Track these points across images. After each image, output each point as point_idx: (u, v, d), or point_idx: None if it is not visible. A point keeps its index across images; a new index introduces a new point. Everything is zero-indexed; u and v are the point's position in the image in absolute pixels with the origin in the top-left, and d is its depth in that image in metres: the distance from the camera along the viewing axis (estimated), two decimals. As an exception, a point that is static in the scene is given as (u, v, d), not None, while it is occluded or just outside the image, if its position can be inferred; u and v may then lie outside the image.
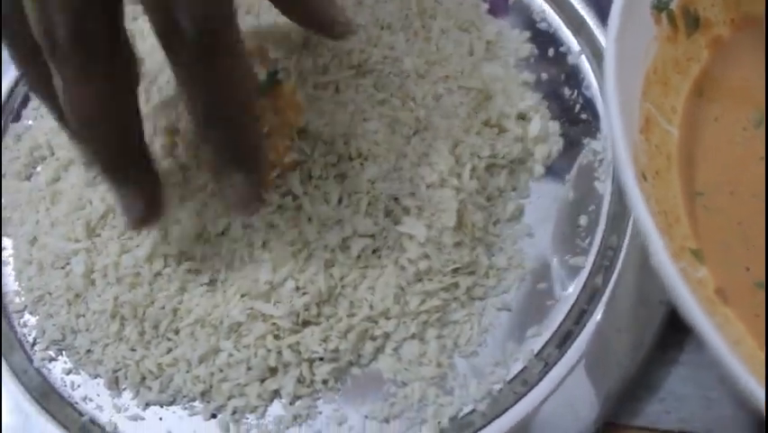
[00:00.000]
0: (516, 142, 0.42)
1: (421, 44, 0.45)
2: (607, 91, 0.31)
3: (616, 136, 0.30)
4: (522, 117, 0.43)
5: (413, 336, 0.38)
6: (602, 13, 0.46)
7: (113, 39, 0.30)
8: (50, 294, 0.42)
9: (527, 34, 0.47)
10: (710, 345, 0.25)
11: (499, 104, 0.43)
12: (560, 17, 0.47)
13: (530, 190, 0.42)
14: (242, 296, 0.38)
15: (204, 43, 0.29)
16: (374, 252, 0.39)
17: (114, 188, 0.35)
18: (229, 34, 0.30)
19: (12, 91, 0.51)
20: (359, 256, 0.38)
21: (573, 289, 0.39)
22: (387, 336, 0.38)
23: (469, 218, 0.39)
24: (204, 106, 0.31)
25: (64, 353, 0.41)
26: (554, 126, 0.44)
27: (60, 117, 0.33)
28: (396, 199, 0.39)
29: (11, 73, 0.51)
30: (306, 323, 0.38)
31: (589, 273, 0.39)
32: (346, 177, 0.40)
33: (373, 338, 0.38)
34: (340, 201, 0.39)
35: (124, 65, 0.31)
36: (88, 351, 0.40)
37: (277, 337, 0.37)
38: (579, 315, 0.38)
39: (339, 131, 0.40)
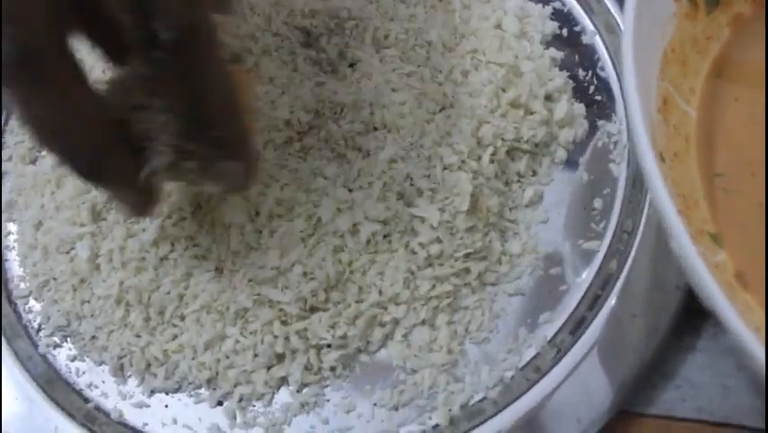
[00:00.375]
0: (541, 126, 0.41)
1: (442, 16, 0.44)
2: (624, 69, 0.30)
3: (634, 116, 0.29)
4: (548, 98, 0.42)
5: (423, 323, 0.37)
6: (618, -8, 0.45)
7: (61, 52, 0.29)
8: (54, 279, 0.41)
9: (550, 9, 0.46)
10: (733, 330, 0.25)
11: (528, 83, 0.42)
12: (576, -1, 0.46)
13: (551, 176, 0.41)
14: (249, 281, 0.37)
15: (183, 44, 0.28)
16: (385, 236, 0.38)
17: (99, 188, 0.35)
18: (206, 32, 0.30)
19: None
20: (368, 241, 0.38)
21: (587, 274, 0.38)
22: (396, 322, 0.37)
23: (484, 203, 0.38)
24: (188, 106, 0.31)
25: (69, 339, 0.41)
26: (580, 108, 0.43)
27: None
28: (410, 179, 0.38)
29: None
30: (313, 309, 0.37)
31: (604, 258, 0.38)
32: (367, 154, 0.39)
33: (382, 324, 0.37)
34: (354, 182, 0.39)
35: (78, 76, 0.30)
36: (93, 337, 0.40)
37: (284, 323, 0.37)
38: (593, 300, 0.37)
39: (365, 98, 0.40)
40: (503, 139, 0.40)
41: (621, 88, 0.42)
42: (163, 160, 0.32)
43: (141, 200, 0.34)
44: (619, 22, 0.44)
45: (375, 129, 0.40)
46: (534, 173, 0.41)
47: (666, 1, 0.35)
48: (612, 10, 0.45)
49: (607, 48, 0.44)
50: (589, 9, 0.46)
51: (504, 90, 0.41)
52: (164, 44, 0.28)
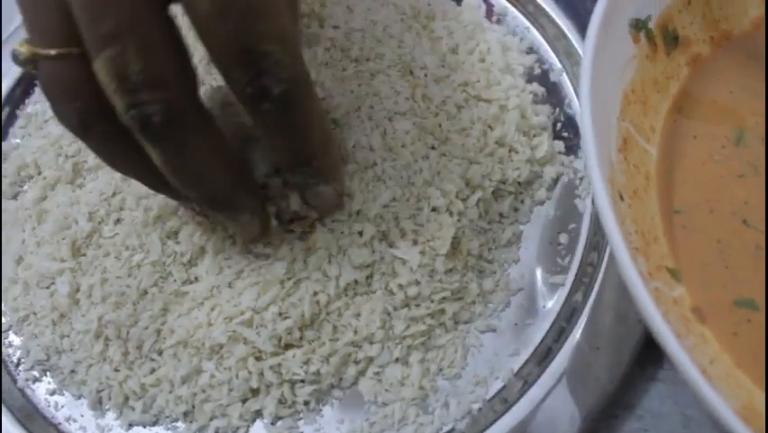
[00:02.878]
0: (525, 164, 0.42)
1: (428, 43, 0.45)
2: (582, 112, 0.31)
3: (589, 159, 0.30)
4: (529, 135, 0.43)
5: (396, 360, 0.38)
6: (584, 31, 0.45)
7: (196, 107, 0.32)
8: (35, 314, 0.42)
9: (527, 43, 0.47)
10: (680, 367, 0.26)
11: (514, 120, 0.42)
12: (541, 34, 0.48)
13: (532, 215, 0.42)
14: (225, 318, 0.38)
15: (291, 95, 0.31)
16: (366, 278, 0.39)
17: (228, 219, 0.37)
18: (306, 77, 0.32)
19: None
20: (348, 285, 0.38)
21: (553, 306, 0.39)
22: (370, 360, 0.38)
23: (465, 245, 0.39)
24: (296, 143, 0.34)
25: (48, 373, 0.42)
26: (559, 145, 0.44)
27: (157, 185, 0.36)
28: (397, 219, 0.39)
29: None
30: (288, 346, 0.38)
31: (569, 291, 0.39)
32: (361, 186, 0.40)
33: (356, 362, 0.38)
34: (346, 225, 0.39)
35: (209, 124, 0.33)
36: (72, 371, 0.41)
37: (258, 359, 0.37)
38: (558, 333, 0.38)
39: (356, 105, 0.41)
40: (490, 180, 0.41)
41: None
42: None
43: (262, 225, 0.38)
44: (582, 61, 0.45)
45: (374, 164, 0.40)
46: (516, 210, 0.42)
47: (626, 43, 0.36)
48: (579, 49, 0.46)
49: (573, 86, 0.46)
50: (557, 48, 0.47)
51: (491, 128, 0.42)
52: (274, 97, 0.30)
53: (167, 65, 0.29)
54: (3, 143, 0.49)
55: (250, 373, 0.37)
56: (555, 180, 0.43)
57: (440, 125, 0.42)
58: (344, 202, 0.39)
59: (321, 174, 0.36)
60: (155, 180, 0.34)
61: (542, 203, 0.42)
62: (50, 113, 0.48)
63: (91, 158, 0.45)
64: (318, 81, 0.43)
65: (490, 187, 0.41)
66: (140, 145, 0.31)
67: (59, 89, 0.31)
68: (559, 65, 0.46)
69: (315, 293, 0.38)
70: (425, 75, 0.43)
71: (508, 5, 0.49)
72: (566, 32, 0.47)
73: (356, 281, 0.38)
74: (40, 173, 0.47)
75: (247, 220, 0.37)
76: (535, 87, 0.45)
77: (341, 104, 0.41)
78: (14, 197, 0.47)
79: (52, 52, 0.29)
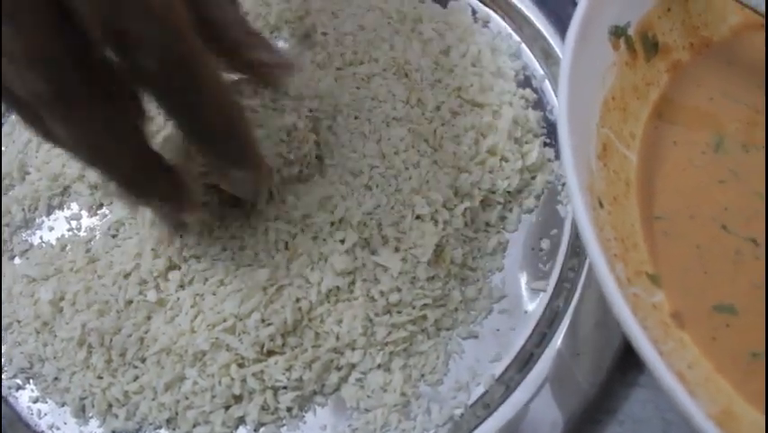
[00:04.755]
0: (515, 173, 0.42)
1: (419, 45, 0.45)
2: (559, 119, 0.31)
3: (566, 166, 0.30)
4: (524, 142, 0.43)
5: (378, 367, 0.38)
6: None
7: (92, 83, 0.30)
8: (18, 322, 0.42)
9: (511, 49, 0.47)
10: (656, 373, 0.26)
11: (506, 128, 0.42)
12: (524, 40, 0.48)
13: (520, 224, 0.42)
14: (208, 326, 0.38)
15: (168, 77, 0.30)
16: (348, 285, 0.39)
17: (142, 204, 0.37)
18: (194, 60, 0.30)
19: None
20: (329, 291, 0.38)
21: (535, 312, 0.39)
22: (352, 366, 0.38)
23: (449, 253, 0.39)
24: (191, 125, 0.32)
25: (31, 381, 0.41)
26: (549, 153, 0.44)
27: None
28: (380, 226, 0.39)
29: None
30: (270, 353, 0.38)
31: (551, 297, 0.40)
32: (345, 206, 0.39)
33: (338, 368, 0.38)
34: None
35: (109, 100, 0.31)
36: (56, 379, 0.41)
37: (241, 366, 0.37)
38: (540, 338, 0.38)
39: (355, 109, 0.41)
40: (479, 189, 0.41)
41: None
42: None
43: (180, 212, 0.37)
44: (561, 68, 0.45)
45: (361, 172, 0.40)
46: (503, 219, 0.42)
47: (605, 50, 0.36)
48: (561, 55, 0.45)
49: (555, 92, 0.46)
50: (539, 54, 0.47)
51: (483, 136, 0.42)
52: (152, 77, 0.29)
53: (52, 41, 0.28)
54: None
55: (232, 379, 0.37)
56: (545, 189, 0.43)
57: (434, 132, 0.42)
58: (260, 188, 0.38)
59: (229, 157, 0.34)
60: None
61: (530, 211, 0.42)
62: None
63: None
64: (313, 81, 0.43)
65: (479, 196, 0.41)
66: None
67: None
68: (541, 71, 0.47)
69: (298, 300, 0.38)
70: (421, 78, 0.44)
71: (491, 12, 0.49)
72: (548, 38, 0.47)
73: (338, 288, 0.38)
74: (23, 179, 0.47)
75: (159, 206, 0.36)
76: (527, 92, 0.45)
77: (338, 106, 0.42)
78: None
79: None
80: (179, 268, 0.40)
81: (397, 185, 0.40)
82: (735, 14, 0.39)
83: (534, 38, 0.48)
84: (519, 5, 0.48)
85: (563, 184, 0.43)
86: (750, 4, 0.37)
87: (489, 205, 0.42)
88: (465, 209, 0.40)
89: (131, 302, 0.40)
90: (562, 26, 0.47)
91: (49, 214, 0.46)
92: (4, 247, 0.45)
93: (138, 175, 0.33)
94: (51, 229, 0.46)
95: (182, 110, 0.31)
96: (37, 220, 0.46)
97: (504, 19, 0.49)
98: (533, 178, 0.43)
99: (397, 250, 0.38)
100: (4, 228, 0.46)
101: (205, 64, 0.31)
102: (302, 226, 0.39)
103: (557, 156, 0.44)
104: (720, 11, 0.39)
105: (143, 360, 0.39)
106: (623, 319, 0.27)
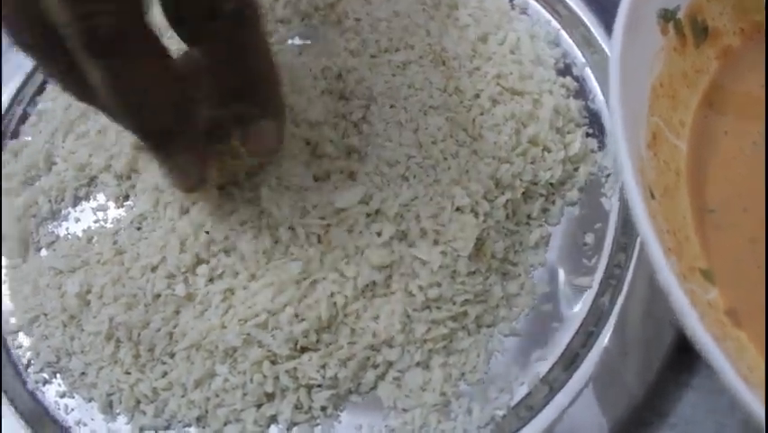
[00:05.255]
0: (558, 164, 0.41)
1: (456, 32, 0.44)
2: (611, 107, 0.30)
3: (621, 155, 0.29)
4: (566, 132, 0.42)
5: (417, 365, 0.37)
6: (608, 24, 0.44)
7: (144, 26, 0.31)
8: (45, 315, 0.41)
9: (550, 36, 0.46)
10: (721, 373, 0.24)
11: (548, 117, 0.41)
12: (564, 27, 0.46)
13: (562, 217, 0.41)
14: (240, 321, 0.37)
15: (239, 16, 0.33)
16: (385, 279, 0.37)
17: (165, 159, 0.37)
18: (256, 8, 0.34)
19: (10, 107, 0.50)
20: (366, 286, 0.37)
21: (580, 310, 0.38)
22: (389, 364, 0.37)
23: (489, 247, 0.38)
24: (237, 69, 0.35)
25: (58, 375, 0.41)
26: (592, 143, 0.42)
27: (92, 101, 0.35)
28: (417, 218, 0.38)
29: (10, 87, 0.51)
30: (304, 349, 0.37)
31: (596, 294, 0.38)
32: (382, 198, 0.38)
33: (375, 366, 0.37)
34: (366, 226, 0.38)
35: (157, 46, 0.33)
36: (83, 373, 0.40)
37: (273, 363, 0.36)
38: (585, 337, 0.37)
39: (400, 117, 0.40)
40: (521, 180, 0.39)
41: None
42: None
43: (198, 172, 0.37)
44: (609, 54, 0.44)
45: (397, 162, 0.39)
46: (546, 212, 0.41)
47: (654, 35, 0.35)
48: (602, 43, 0.45)
49: (597, 80, 0.44)
50: (581, 41, 0.46)
51: (524, 125, 0.41)
52: (225, 14, 0.32)
53: None
54: (13, 142, 0.49)
55: (264, 377, 0.36)
56: (588, 181, 0.42)
57: (473, 121, 0.40)
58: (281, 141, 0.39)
59: (265, 107, 0.37)
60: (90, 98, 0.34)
61: (573, 204, 0.41)
62: (60, 107, 0.47)
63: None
64: (345, 70, 0.42)
65: (521, 187, 0.39)
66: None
67: (9, 7, 0.31)
68: (582, 59, 0.45)
69: (332, 294, 0.36)
70: (459, 65, 0.42)
71: (530, -1, 0.48)
72: (589, 25, 0.45)
73: (374, 282, 0.37)
74: (50, 170, 0.46)
75: (184, 162, 0.36)
76: (568, 80, 0.44)
77: (373, 94, 0.41)
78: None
79: None
80: (207, 262, 0.39)
81: (435, 175, 0.38)
82: (789, -2, 0.38)
83: (573, 25, 0.46)
84: (559, -9, 0.47)
85: (608, 176, 0.41)
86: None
87: (531, 197, 0.40)
88: (506, 201, 0.38)
89: (159, 296, 0.39)
90: (603, 13, 0.45)
91: (75, 205, 0.45)
92: (30, 239, 0.45)
93: (175, 122, 0.34)
94: (78, 220, 0.45)
95: (238, 51, 0.34)
96: (63, 211, 0.45)
97: (543, 6, 0.47)
98: (575, 169, 0.41)
99: (436, 243, 0.37)
100: (30, 220, 0.45)
101: (261, 19, 0.34)
102: (336, 220, 0.38)
103: (600, 147, 0.42)
104: (773, -6, 0.38)
105: (172, 355, 0.38)
106: (685, 317, 0.25)
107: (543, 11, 0.47)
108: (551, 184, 0.40)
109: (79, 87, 0.33)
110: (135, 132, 0.35)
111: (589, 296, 0.38)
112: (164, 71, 0.33)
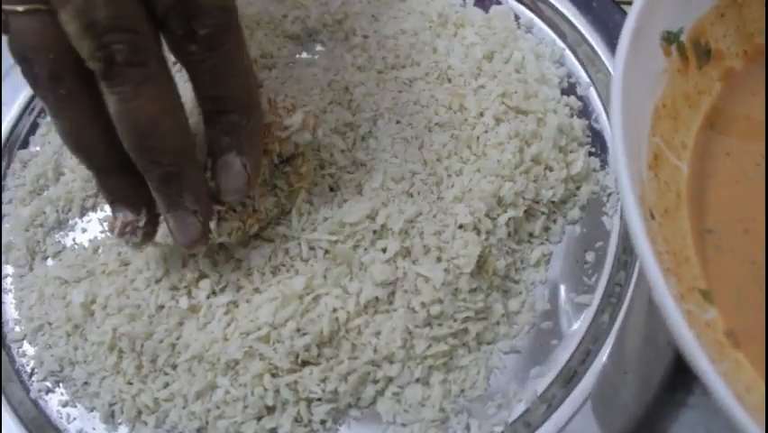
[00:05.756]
0: (560, 183, 0.41)
1: (463, 50, 0.44)
2: (613, 127, 0.30)
3: (621, 176, 0.29)
4: (569, 151, 0.42)
5: (417, 381, 0.37)
6: (612, 44, 0.45)
7: (159, 55, 0.33)
8: (49, 324, 0.41)
9: (555, 56, 0.46)
10: (716, 394, 0.24)
11: (552, 136, 0.41)
12: (568, 47, 0.47)
13: (564, 235, 0.41)
14: (241, 334, 0.37)
15: (212, 40, 0.33)
16: (388, 295, 0.37)
17: (172, 210, 0.36)
18: (236, 30, 0.34)
19: (21, 117, 0.51)
20: (368, 302, 0.37)
21: (579, 327, 0.38)
22: (389, 379, 0.37)
23: (491, 264, 0.38)
24: (213, 89, 0.35)
25: (61, 384, 0.41)
26: (594, 162, 0.43)
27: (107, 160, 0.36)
28: (421, 235, 0.38)
29: (21, 97, 0.51)
30: (305, 363, 0.37)
31: (596, 312, 0.38)
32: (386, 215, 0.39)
33: (375, 381, 0.37)
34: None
35: (170, 77, 0.34)
36: (85, 383, 0.40)
37: (274, 376, 0.36)
38: (584, 354, 0.37)
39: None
40: (524, 198, 0.40)
41: (613, 142, 0.42)
42: None
43: (204, 225, 0.37)
44: (613, 74, 0.44)
45: (403, 178, 0.39)
46: (547, 230, 0.41)
47: (657, 56, 0.35)
48: (607, 62, 0.45)
49: (601, 99, 0.45)
50: (584, 61, 0.46)
51: (528, 144, 0.41)
52: (199, 38, 0.32)
53: (133, 11, 0.31)
54: (23, 152, 0.49)
55: (265, 389, 0.36)
56: (589, 199, 0.42)
57: (477, 138, 0.41)
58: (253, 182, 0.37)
59: (237, 132, 0.36)
60: (106, 153, 0.35)
61: (574, 223, 0.41)
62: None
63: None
64: (353, 84, 0.42)
65: (523, 206, 0.40)
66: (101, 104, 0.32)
67: (28, 44, 0.32)
68: (586, 78, 0.45)
69: (335, 310, 0.37)
70: (464, 83, 0.43)
71: (534, 17, 0.48)
72: (594, 45, 0.46)
73: (377, 298, 0.37)
74: (58, 180, 0.47)
75: (188, 216, 0.36)
76: (572, 100, 0.44)
77: (380, 110, 0.41)
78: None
79: (20, 9, 0.31)
80: (208, 277, 0.39)
81: (439, 193, 0.39)
82: (791, 22, 0.38)
83: (578, 44, 0.46)
84: (564, 11, 0.47)
85: (609, 195, 0.42)
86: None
87: (533, 215, 0.40)
88: (509, 219, 0.39)
89: (162, 307, 0.39)
90: (607, 33, 0.46)
91: (82, 215, 0.46)
92: (37, 248, 0.45)
93: (184, 159, 0.35)
94: (84, 231, 0.46)
95: (214, 71, 0.34)
96: (70, 222, 0.46)
97: (548, 25, 0.47)
98: (578, 188, 0.42)
99: (439, 260, 0.37)
100: (38, 229, 0.45)
101: (240, 41, 0.35)
102: (343, 236, 0.38)
103: (602, 166, 0.43)
104: (776, 18, 0.38)
105: (174, 367, 0.38)
106: (680, 337, 0.25)
107: (548, 31, 0.47)
108: (552, 202, 0.41)
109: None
110: (144, 172, 0.35)
111: (588, 314, 0.38)
112: (173, 104, 0.34)
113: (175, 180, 0.35)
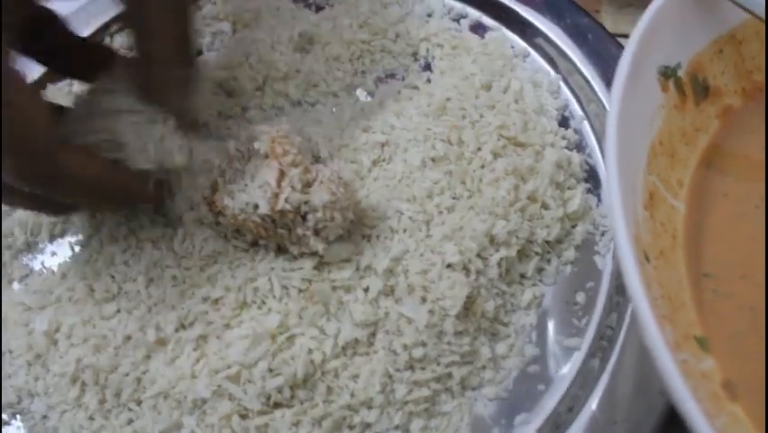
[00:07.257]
0: (556, 222, 0.39)
1: (460, 83, 0.44)
2: (608, 165, 0.29)
3: (615, 218, 0.27)
4: (566, 187, 0.41)
5: (396, 427, 0.35)
6: (607, 77, 0.44)
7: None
8: (10, 352, 0.39)
9: (555, 82, 0.45)
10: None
11: (549, 172, 0.40)
12: (563, 80, 0.46)
13: (558, 277, 0.39)
14: (211, 371, 0.35)
15: None
16: (368, 336, 0.36)
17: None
18: None
19: None
20: (348, 342, 0.35)
21: (568, 372, 0.36)
22: (367, 426, 0.35)
23: (479, 307, 0.36)
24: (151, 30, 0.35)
25: (18, 417, 0.39)
26: (593, 200, 0.41)
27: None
28: (406, 273, 0.36)
29: None
30: (277, 405, 0.35)
31: (586, 355, 0.36)
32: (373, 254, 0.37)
33: (351, 427, 0.35)
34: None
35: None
36: (44, 417, 0.38)
37: (244, 417, 0.34)
38: (572, 401, 0.35)
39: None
40: (517, 237, 0.38)
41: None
42: None
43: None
44: (608, 109, 0.43)
45: (388, 217, 0.38)
46: (540, 272, 0.39)
47: (654, 92, 0.34)
48: (602, 96, 0.44)
49: (595, 134, 0.43)
50: (579, 94, 0.45)
51: (524, 180, 0.40)
52: None
53: None
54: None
55: (233, 431, 0.34)
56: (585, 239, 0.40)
57: (473, 172, 0.39)
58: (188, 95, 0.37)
59: (172, 56, 0.36)
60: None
61: (569, 263, 0.40)
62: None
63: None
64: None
65: (516, 245, 0.38)
66: None
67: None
68: (581, 112, 0.44)
69: (311, 351, 0.35)
70: (463, 117, 0.42)
71: (529, 48, 0.47)
72: (589, 78, 0.45)
73: (356, 340, 0.35)
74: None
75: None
76: (570, 133, 0.43)
77: (376, 143, 0.40)
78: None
79: None
80: (174, 309, 0.38)
81: (427, 231, 0.37)
82: (790, 59, 0.37)
83: (574, 78, 0.45)
84: (558, 42, 0.46)
85: (602, 233, 0.40)
86: (748, 7, 0.35)
87: (527, 255, 0.39)
88: (500, 259, 0.37)
89: (129, 338, 0.37)
90: (602, 65, 0.45)
91: (51, 240, 0.44)
92: (3, 271, 0.43)
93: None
94: (54, 254, 0.44)
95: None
96: (40, 244, 0.44)
97: (543, 57, 0.47)
98: (573, 227, 0.40)
99: (423, 300, 0.35)
100: (5, 252, 0.44)
101: None
102: (320, 274, 0.36)
103: (597, 203, 0.41)
104: (774, 55, 0.37)
105: (139, 403, 0.36)
106: (676, 393, 0.24)
107: (543, 62, 0.47)
108: (547, 242, 0.39)
109: None
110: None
111: (578, 358, 0.37)
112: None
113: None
